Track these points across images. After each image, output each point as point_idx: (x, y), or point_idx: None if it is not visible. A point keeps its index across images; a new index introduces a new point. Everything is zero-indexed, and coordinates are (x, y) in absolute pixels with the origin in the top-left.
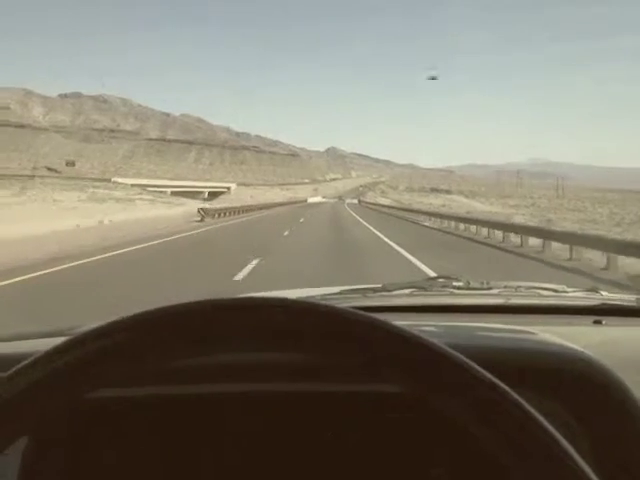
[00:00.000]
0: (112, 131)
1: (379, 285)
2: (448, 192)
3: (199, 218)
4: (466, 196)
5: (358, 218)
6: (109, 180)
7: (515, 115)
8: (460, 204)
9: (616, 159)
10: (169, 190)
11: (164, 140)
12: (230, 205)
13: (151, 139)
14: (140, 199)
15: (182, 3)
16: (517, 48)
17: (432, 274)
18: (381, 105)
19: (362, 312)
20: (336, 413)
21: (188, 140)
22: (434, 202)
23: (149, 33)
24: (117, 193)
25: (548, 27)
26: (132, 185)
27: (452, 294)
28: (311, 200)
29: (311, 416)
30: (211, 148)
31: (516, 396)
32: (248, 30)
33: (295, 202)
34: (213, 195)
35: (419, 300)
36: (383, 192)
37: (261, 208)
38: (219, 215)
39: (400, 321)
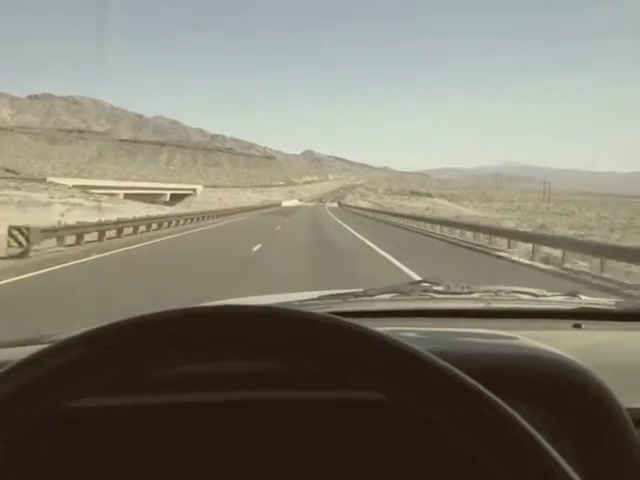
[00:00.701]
0: (81, 132)
1: (360, 290)
2: (429, 195)
3: (19, 249)
4: (449, 199)
5: (358, 235)
6: (44, 180)
7: (488, 119)
8: (444, 208)
9: (589, 164)
10: (122, 192)
11: (134, 141)
12: (165, 213)
13: (121, 140)
14: (61, 203)
15: (159, 6)
16: (493, 53)
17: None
18: (357, 109)
19: (343, 319)
20: (320, 421)
21: (160, 141)
22: (417, 205)
23: (125, 35)
24: (35, 195)
25: (525, 31)
26: (72, 186)
27: (433, 298)
28: (286, 204)
29: (295, 425)
30: (183, 150)
31: (503, 404)
32: (225, 34)
33: (267, 206)
34: (176, 198)
35: (400, 305)
36: (363, 195)
37: (216, 216)
38: (139, 230)
39: (381, 326)
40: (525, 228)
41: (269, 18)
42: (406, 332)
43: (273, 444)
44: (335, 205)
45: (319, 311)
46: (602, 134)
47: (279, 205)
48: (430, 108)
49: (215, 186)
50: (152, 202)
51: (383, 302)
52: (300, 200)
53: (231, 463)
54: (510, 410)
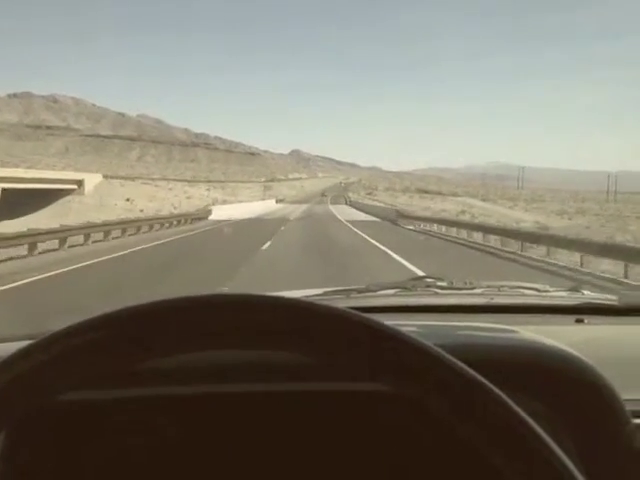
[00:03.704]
0: (49, 128)
1: (363, 286)
2: (439, 193)
3: None
4: (483, 199)
5: None
6: None
7: (474, 120)
8: (485, 211)
9: (572, 162)
10: None
11: (104, 137)
12: None
13: (88, 135)
14: None
15: (148, 6)
16: (478, 55)
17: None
18: (345, 109)
19: (355, 312)
20: (329, 413)
21: (131, 136)
22: (447, 207)
23: (112, 35)
24: None
25: (510, 34)
26: None
27: (436, 294)
28: (226, 213)
29: (302, 417)
30: (157, 145)
31: (507, 399)
32: (213, 34)
33: (150, 219)
34: (29, 199)
35: (403, 300)
36: (370, 193)
37: None
38: None
39: (384, 321)
40: None
41: (258, 18)
42: (408, 327)
43: (279, 436)
44: (358, 214)
45: (336, 306)
46: (579, 135)
47: (201, 220)
48: (416, 109)
49: (135, 178)
50: None
51: (386, 297)
52: (279, 201)
53: (236, 456)
54: (515, 407)
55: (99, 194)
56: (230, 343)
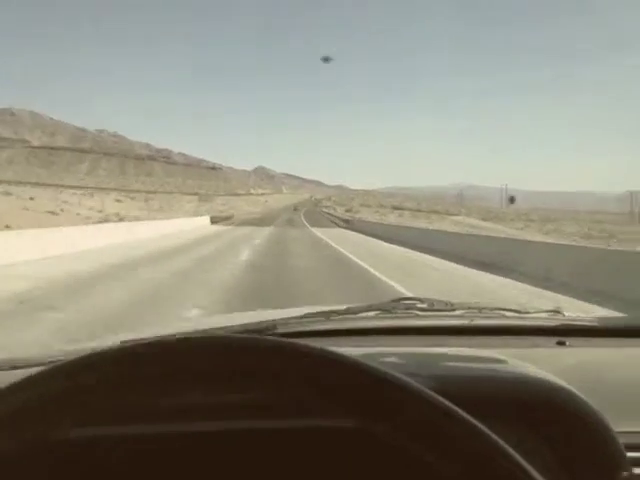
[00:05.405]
0: None
1: (343, 307)
2: (418, 211)
3: None
4: (483, 219)
5: None
6: None
7: (440, 140)
8: (495, 233)
9: (538, 183)
10: None
11: (51, 148)
12: None
13: (36, 147)
14: None
15: (127, 22)
16: (445, 76)
17: None
18: (310, 127)
19: (319, 347)
20: (295, 450)
21: (82, 148)
22: (447, 228)
23: (79, 51)
24: None
25: (479, 56)
26: None
27: (416, 316)
28: None
29: (269, 454)
30: (110, 158)
31: (489, 433)
32: (182, 50)
33: None
34: None
35: (384, 322)
36: (350, 210)
37: None
38: None
39: (365, 344)
40: None
41: (222, 33)
42: (390, 355)
43: (247, 475)
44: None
45: (303, 329)
46: (545, 156)
47: None
48: (381, 129)
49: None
50: None
51: (367, 320)
52: (217, 221)
53: None
54: (495, 438)
55: None
56: (184, 386)
